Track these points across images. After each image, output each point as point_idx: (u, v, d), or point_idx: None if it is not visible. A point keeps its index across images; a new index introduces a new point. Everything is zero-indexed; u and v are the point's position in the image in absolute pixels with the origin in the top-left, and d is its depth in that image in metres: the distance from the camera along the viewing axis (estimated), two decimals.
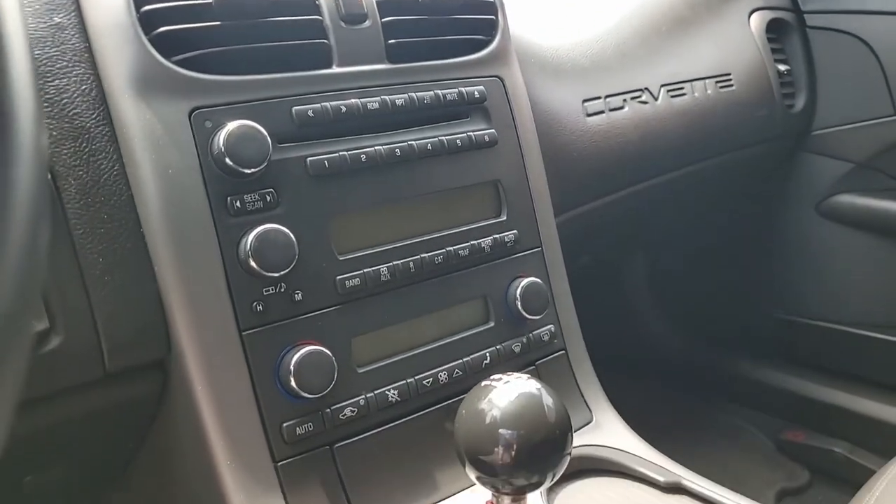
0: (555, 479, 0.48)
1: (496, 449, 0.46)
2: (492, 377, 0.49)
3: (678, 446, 0.75)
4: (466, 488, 0.63)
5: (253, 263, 0.55)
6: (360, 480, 0.60)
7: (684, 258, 1.64)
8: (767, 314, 1.52)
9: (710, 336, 1.66)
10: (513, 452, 0.46)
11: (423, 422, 0.64)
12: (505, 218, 0.71)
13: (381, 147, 0.63)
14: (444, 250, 0.66)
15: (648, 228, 1.43)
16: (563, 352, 0.74)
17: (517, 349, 0.70)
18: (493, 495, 0.49)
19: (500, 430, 0.46)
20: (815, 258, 1.44)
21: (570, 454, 0.48)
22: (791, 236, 1.45)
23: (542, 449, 0.46)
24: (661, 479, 0.68)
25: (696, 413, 1.57)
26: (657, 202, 1.17)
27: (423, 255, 0.65)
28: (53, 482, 0.64)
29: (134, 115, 0.55)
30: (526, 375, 0.49)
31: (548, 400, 0.48)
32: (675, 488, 0.67)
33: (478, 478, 0.48)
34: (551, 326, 0.73)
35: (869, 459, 1.36)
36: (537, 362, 0.72)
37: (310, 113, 0.60)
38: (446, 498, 0.62)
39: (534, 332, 0.72)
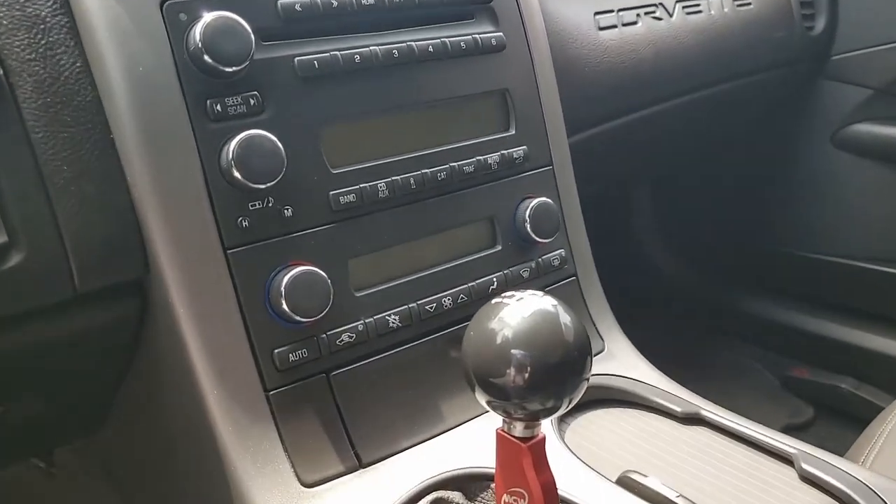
0: (571, 405, 0.43)
1: (508, 371, 0.41)
2: (503, 294, 0.44)
3: (682, 383, 0.72)
4: (473, 418, 0.59)
5: (236, 173, 0.50)
6: (359, 410, 0.56)
7: (694, 191, 1.60)
8: (778, 249, 1.49)
9: (717, 271, 1.63)
10: (526, 375, 0.41)
11: (426, 349, 0.59)
12: (514, 132, 0.65)
13: (376, 48, 0.56)
14: (447, 166, 0.61)
15: (660, 157, 1.38)
16: (574, 278, 0.70)
17: (525, 274, 0.65)
18: (505, 421, 0.45)
19: (513, 351, 0.41)
20: (828, 191, 1.40)
21: (588, 378, 0.44)
22: (805, 168, 1.41)
23: (559, 371, 0.42)
24: (678, 409, 0.64)
25: (701, 349, 1.56)
26: (670, 128, 1.12)
27: (424, 171, 0.59)
28: (35, 416, 0.60)
29: (97, 4, 0.48)
30: (540, 292, 0.44)
31: (565, 318, 0.43)
32: (694, 419, 0.64)
33: (488, 402, 0.43)
34: (562, 251, 0.68)
35: (875, 395, 1.36)
36: (546, 289, 0.67)
37: (297, 7, 0.53)
38: (452, 428, 0.58)
39: (543, 257, 0.67)
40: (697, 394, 0.68)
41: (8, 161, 0.45)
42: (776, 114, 1.37)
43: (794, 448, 0.59)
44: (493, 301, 0.44)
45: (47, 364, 0.54)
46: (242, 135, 0.50)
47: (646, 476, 0.54)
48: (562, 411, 0.43)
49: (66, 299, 0.48)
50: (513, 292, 0.44)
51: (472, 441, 0.58)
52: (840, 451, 0.78)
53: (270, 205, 0.53)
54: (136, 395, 0.63)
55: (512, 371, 0.41)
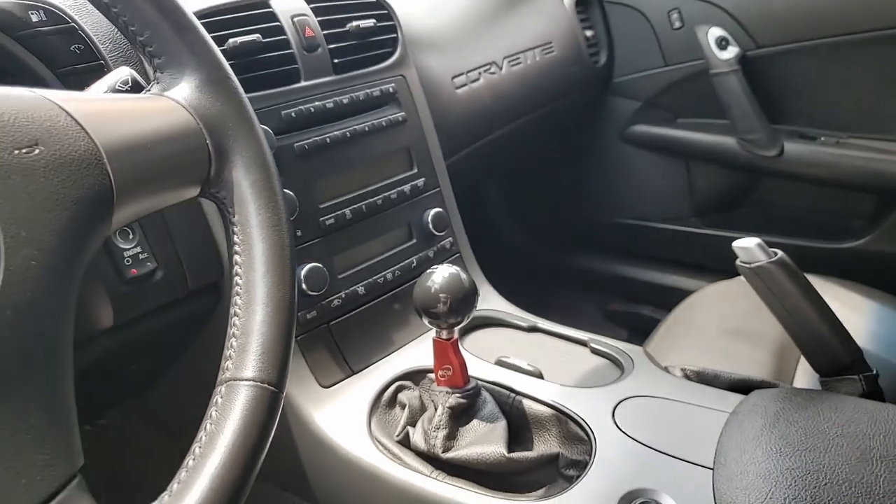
0: (469, 319, 0.85)
1: (438, 305, 0.75)
2: (432, 267, 0.85)
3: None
4: (412, 340, 1.01)
5: None
6: (348, 342, 0.95)
7: (530, 181, 2.02)
8: (594, 217, 1.90)
9: (551, 238, 2.02)
10: (447, 306, 0.74)
11: (381, 304, 1.00)
12: (416, 170, 1.07)
13: (337, 132, 0.96)
14: (381, 196, 1.00)
15: (504, 162, 1.82)
16: (459, 254, 1.12)
17: (431, 255, 1.07)
18: (437, 331, 0.85)
19: (440, 295, 0.75)
20: (621, 173, 1.81)
21: (476, 306, 0.84)
22: (605, 158, 1.81)
23: (463, 302, 0.73)
24: (525, 325, 1.07)
25: (543, 295, 1.95)
26: (510, 143, 1.54)
27: (369, 201, 0.99)
28: (142, 369, 0.94)
29: None
30: (451, 265, 0.85)
31: (463, 276, 0.84)
32: (534, 328, 1.08)
33: (429, 321, 0.83)
34: (450, 238, 1.10)
35: (664, 316, 1.85)
36: (444, 262, 1.10)
37: (293, 114, 0.92)
38: (402, 346, 0.99)
39: (440, 244, 1.07)
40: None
41: (153, 229, 0.80)
42: (581, 122, 1.79)
43: (589, 337, 1.05)
44: (428, 271, 0.84)
45: (164, 336, 0.89)
46: None
47: (509, 358, 0.98)
48: (464, 323, 0.84)
49: (183, 295, 0.84)
50: (436, 266, 0.85)
51: (414, 353, 0.97)
52: None
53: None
54: (197, 353, 0.98)
55: (440, 305, 0.81)
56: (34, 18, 0.67)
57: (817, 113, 1.59)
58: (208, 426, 0.47)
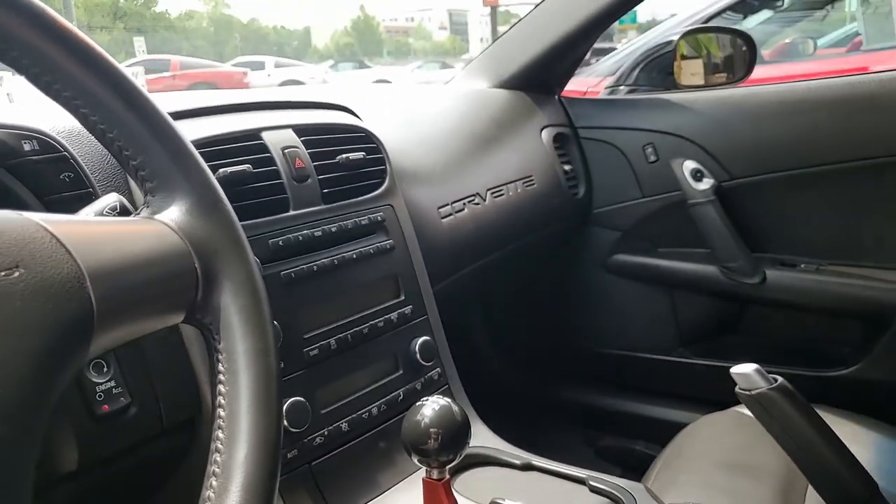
0: (461, 457, 0.80)
1: (429, 441, 0.77)
2: (422, 399, 0.81)
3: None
4: (403, 479, 0.95)
5: None
6: (332, 485, 0.89)
7: (516, 309, 2.03)
8: (577, 347, 1.88)
9: (537, 369, 2.00)
10: (438, 442, 0.77)
11: (365, 441, 0.95)
12: (403, 298, 1.05)
13: (325, 260, 0.95)
14: (368, 324, 0.98)
15: (488, 290, 1.82)
16: (447, 386, 1.09)
17: (419, 387, 1.03)
18: (427, 471, 0.81)
19: (431, 430, 0.78)
20: (605, 303, 1.81)
21: (469, 442, 0.81)
22: (588, 287, 1.83)
23: (456, 437, 0.75)
24: (518, 462, 1.02)
25: (531, 430, 1.92)
26: (493, 272, 1.56)
27: (355, 329, 0.97)
28: None
29: None
30: (442, 397, 0.82)
31: (455, 408, 0.81)
32: (529, 466, 1.03)
33: (418, 460, 0.79)
34: (438, 369, 1.07)
35: (657, 451, 1.80)
36: (432, 393, 1.05)
37: (280, 243, 0.91)
38: (392, 486, 0.93)
39: (427, 375, 1.06)
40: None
41: (129, 361, 0.76)
42: (562, 252, 1.83)
43: (587, 475, 1.00)
44: (417, 404, 0.80)
45: (139, 473, 0.82)
46: None
47: (504, 500, 0.92)
48: (456, 462, 0.80)
49: (157, 433, 0.79)
50: (427, 398, 0.82)
51: (401, 496, 0.92)
52: None
53: None
54: (176, 487, 0.91)
55: (431, 441, 0.77)
56: (26, 147, 0.66)
57: (795, 240, 1.63)
58: None
